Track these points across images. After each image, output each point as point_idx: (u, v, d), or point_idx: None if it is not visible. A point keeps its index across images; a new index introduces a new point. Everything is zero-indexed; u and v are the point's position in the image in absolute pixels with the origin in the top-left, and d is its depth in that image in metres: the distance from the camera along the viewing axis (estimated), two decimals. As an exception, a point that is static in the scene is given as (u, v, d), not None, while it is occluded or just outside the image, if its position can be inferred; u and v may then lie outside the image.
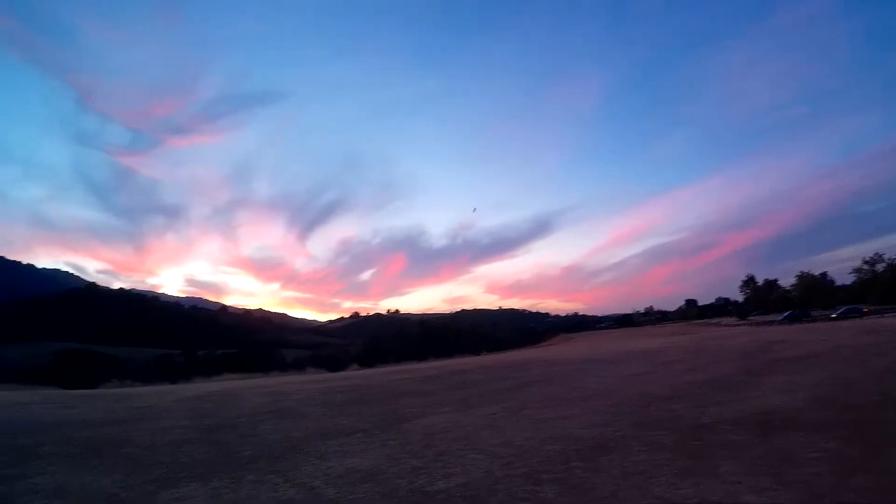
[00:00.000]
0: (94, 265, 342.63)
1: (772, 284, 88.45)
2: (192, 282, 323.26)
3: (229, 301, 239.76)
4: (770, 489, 3.85)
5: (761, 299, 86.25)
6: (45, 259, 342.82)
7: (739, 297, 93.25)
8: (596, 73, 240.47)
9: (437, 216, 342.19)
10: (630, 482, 4.19)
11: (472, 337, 55.01)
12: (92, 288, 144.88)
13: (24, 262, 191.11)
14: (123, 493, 5.00)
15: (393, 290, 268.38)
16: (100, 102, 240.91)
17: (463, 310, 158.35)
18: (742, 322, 60.29)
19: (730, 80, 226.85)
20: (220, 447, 7.11)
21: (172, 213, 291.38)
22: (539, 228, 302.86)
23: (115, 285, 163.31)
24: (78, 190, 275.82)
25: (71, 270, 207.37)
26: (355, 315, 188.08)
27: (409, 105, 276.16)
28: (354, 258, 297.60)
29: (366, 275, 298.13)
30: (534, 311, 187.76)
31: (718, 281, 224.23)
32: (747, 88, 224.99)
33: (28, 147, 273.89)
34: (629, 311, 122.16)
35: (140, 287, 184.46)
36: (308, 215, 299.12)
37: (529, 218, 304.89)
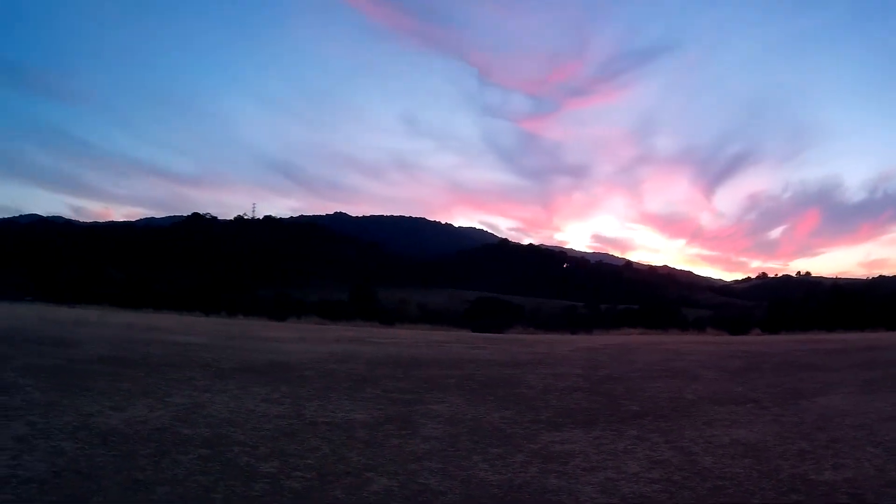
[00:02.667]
0: (506, 223, 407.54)
1: None
2: (598, 238, 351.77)
3: (634, 257, 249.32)
4: None
5: None
6: (461, 219, 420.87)
7: None
8: None
9: (854, 166, 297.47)
10: None
11: (890, 308, 44.62)
12: (504, 244, 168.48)
13: (443, 222, 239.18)
14: (509, 428, 5.64)
15: (804, 250, 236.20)
16: (499, 76, 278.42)
17: (882, 276, 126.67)
18: None
19: None
20: (607, 399, 7.45)
21: (577, 172, 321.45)
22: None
23: (525, 241, 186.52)
24: (487, 156, 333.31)
25: (485, 228, 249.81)
26: (762, 276, 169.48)
27: (815, 40, 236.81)
28: (763, 214, 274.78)
29: (775, 232, 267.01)
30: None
31: None
32: None
33: (441, 123, 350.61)
34: None
35: (548, 243, 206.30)
36: (713, 169, 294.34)
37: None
